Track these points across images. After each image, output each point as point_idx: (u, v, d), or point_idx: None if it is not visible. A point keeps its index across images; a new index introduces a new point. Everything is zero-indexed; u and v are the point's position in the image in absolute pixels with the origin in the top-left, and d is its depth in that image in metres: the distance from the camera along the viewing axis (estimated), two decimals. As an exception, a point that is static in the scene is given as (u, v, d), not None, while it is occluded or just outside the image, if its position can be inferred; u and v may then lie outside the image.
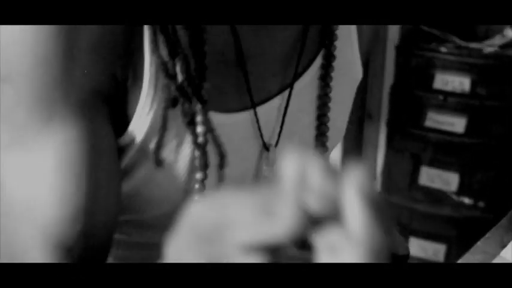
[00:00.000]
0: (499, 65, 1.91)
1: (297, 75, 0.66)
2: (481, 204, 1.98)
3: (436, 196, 2.00)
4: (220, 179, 0.60)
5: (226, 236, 0.33)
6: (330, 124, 0.69)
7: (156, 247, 0.67)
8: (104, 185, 0.54)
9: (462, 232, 1.98)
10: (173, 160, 0.58)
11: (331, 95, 0.68)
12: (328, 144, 0.70)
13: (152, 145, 0.57)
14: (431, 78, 1.95)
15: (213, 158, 0.59)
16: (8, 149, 0.52)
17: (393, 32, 2.06)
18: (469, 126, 1.93)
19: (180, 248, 0.36)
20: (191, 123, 0.57)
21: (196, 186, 0.59)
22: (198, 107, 0.56)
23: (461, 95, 1.92)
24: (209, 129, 0.58)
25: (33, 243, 0.52)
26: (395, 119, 2.09)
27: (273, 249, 0.32)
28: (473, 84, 1.91)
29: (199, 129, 0.57)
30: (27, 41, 0.50)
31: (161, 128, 0.56)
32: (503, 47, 1.96)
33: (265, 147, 0.65)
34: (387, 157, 2.13)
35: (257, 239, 0.32)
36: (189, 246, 0.35)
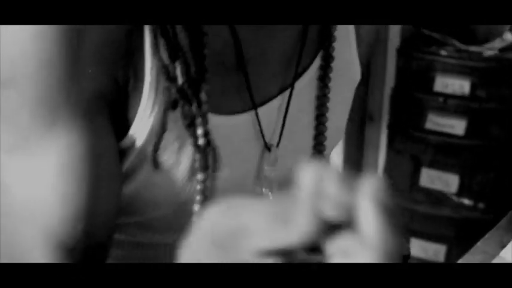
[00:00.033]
0: (498, 68, 1.91)
1: (297, 76, 0.66)
2: (480, 205, 1.98)
3: (436, 197, 2.00)
4: (217, 181, 0.60)
5: (242, 242, 0.33)
6: (328, 124, 0.69)
7: (156, 247, 0.67)
8: (104, 186, 0.54)
9: (462, 233, 1.98)
10: (175, 162, 0.58)
11: (330, 95, 0.68)
12: (327, 143, 0.70)
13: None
14: (431, 80, 1.95)
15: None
16: (12, 151, 0.52)
17: (394, 35, 2.06)
18: (469, 128, 1.93)
19: (195, 254, 0.36)
20: (191, 126, 0.57)
21: (197, 187, 0.59)
22: (198, 109, 0.57)
23: (461, 97, 1.92)
24: (209, 131, 0.58)
25: (34, 243, 0.53)
26: (396, 121, 2.09)
27: (287, 256, 0.32)
28: (473, 87, 1.91)
29: (200, 131, 0.57)
30: (31, 43, 0.50)
31: (160, 130, 0.56)
32: (503, 50, 1.96)
33: (267, 147, 0.65)
34: (388, 159, 2.13)
35: (272, 246, 0.32)
36: (204, 252, 0.35)
